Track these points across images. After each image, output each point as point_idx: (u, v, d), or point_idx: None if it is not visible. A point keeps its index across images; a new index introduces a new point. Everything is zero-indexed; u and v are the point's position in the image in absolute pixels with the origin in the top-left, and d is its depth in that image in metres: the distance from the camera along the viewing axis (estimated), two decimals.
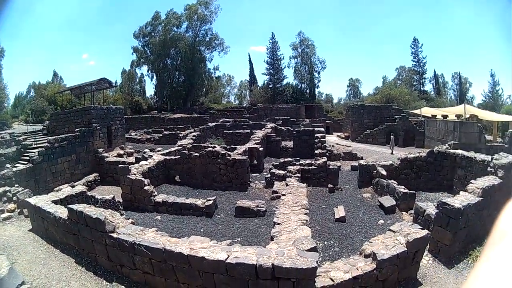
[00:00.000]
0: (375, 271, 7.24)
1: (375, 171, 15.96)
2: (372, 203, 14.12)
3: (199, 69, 63.66)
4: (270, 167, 18.35)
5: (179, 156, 18.40)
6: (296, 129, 26.93)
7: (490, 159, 13.13)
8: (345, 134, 41.39)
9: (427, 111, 39.57)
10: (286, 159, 19.09)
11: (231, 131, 30.71)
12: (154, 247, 7.36)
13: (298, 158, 19.02)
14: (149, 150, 25.29)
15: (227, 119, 41.26)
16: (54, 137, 19.51)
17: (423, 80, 73.33)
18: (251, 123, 37.24)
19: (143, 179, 14.70)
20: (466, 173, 14.69)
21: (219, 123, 37.16)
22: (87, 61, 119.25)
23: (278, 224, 9.24)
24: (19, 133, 24.22)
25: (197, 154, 17.79)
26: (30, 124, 34.94)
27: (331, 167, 16.90)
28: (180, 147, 22.06)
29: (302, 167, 17.03)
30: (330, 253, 9.60)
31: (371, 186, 16.02)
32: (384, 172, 15.39)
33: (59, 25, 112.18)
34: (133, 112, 53.04)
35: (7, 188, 13.96)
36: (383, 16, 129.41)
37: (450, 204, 9.15)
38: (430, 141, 30.40)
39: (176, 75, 66.18)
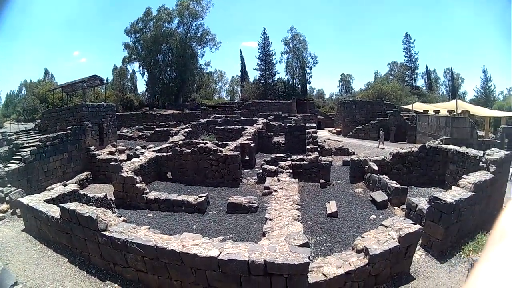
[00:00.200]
0: (367, 266, 7.30)
1: (367, 166, 16.05)
2: (364, 198, 14.22)
3: (190, 65, 63.31)
4: (262, 162, 18.42)
5: (170, 153, 18.35)
6: (287, 124, 26.98)
7: (482, 154, 13.23)
8: (337, 129, 41.58)
9: (419, 106, 39.81)
10: (277, 155, 19.18)
11: (222, 127, 30.75)
12: (146, 245, 7.33)
13: (289, 154, 19.11)
14: (140, 147, 25.24)
15: (218, 115, 41.27)
16: (46, 136, 19.31)
17: (415, 75, 73.70)
18: (242, 118, 37.33)
19: (135, 176, 14.63)
20: (458, 168, 14.81)
21: (210, 119, 37.16)
22: (79, 58, 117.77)
23: (270, 220, 9.23)
24: (11, 132, 24.00)
25: (189, 150, 17.77)
26: (22, 123, 34.61)
27: (322, 162, 16.98)
28: (171, 144, 21.99)
29: (293, 162, 17.08)
30: (323, 248, 9.66)
31: (363, 181, 16.12)
32: (375, 167, 15.49)
33: (50, 22, 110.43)
34: (125, 109, 52.56)
35: None
36: (375, 12, 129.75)
37: (442, 199, 9.22)
38: (422, 136, 30.62)
39: (168, 71, 65.66)
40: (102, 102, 29.67)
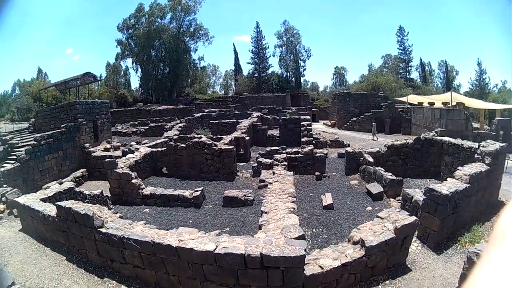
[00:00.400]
0: (364, 258, 7.36)
1: (362, 158, 16.10)
2: (359, 190, 14.28)
3: (183, 60, 62.85)
4: (257, 156, 18.40)
5: (165, 148, 18.29)
6: (282, 117, 26.94)
7: (477, 146, 13.30)
8: (332, 121, 41.67)
9: (413, 98, 39.98)
10: (272, 148, 19.15)
11: (217, 121, 30.64)
12: (142, 241, 7.33)
13: (284, 147, 19.08)
14: (135, 143, 25.11)
15: (213, 109, 41.19)
16: (40, 135, 19.19)
17: (409, 68, 73.88)
18: (237, 112, 37.20)
19: (130, 172, 14.58)
20: (453, 160, 14.90)
21: (205, 113, 37.03)
22: (72, 56, 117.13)
23: (266, 212, 9.25)
24: (5, 132, 23.79)
25: (184, 145, 17.73)
26: (16, 122, 34.43)
27: (317, 154, 17.01)
28: (166, 139, 21.89)
29: (288, 155, 17.11)
30: (319, 240, 9.71)
31: (358, 173, 16.18)
32: (371, 159, 15.53)
33: (43, 20, 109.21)
34: (119, 105, 52.16)
35: None
36: (369, 5, 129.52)
37: (438, 190, 9.26)
38: (417, 128, 30.79)
39: (161, 67, 65.16)
40: (96, 99, 29.44)
